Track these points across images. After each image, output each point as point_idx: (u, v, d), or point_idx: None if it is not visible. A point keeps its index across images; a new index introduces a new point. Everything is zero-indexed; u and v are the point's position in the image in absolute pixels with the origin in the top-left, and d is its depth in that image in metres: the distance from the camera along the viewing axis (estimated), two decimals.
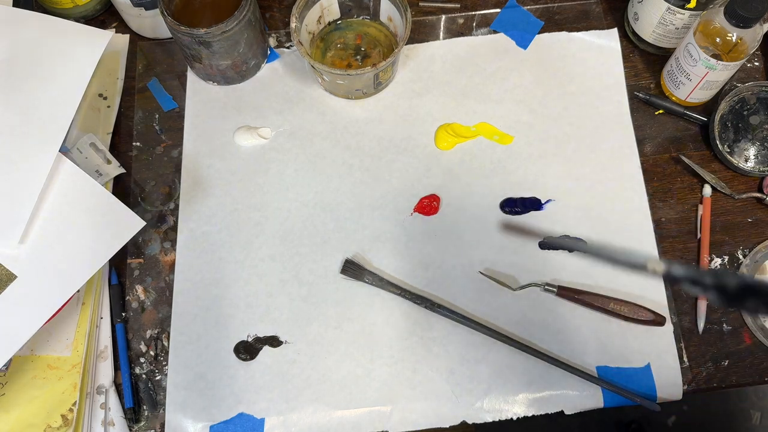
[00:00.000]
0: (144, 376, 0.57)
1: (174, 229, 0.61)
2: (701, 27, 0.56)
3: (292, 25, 0.61)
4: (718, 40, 0.55)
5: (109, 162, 0.62)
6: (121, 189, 0.63)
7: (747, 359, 0.56)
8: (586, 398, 0.54)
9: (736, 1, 0.52)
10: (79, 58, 0.59)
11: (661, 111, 0.64)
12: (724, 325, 0.57)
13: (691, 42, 0.57)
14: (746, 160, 0.61)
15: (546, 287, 0.57)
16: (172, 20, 0.58)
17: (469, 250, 0.59)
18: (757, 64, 0.66)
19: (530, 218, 0.60)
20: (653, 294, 0.57)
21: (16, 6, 0.63)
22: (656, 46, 0.65)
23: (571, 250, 0.58)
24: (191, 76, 0.67)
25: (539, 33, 0.68)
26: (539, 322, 0.57)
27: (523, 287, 0.57)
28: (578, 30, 0.68)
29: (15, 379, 0.55)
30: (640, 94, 0.64)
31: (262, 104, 0.66)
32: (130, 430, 0.55)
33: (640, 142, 0.63)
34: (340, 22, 0.67)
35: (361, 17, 0.67)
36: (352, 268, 0.58)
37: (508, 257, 0.59)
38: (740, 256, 0.59)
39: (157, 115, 0.66)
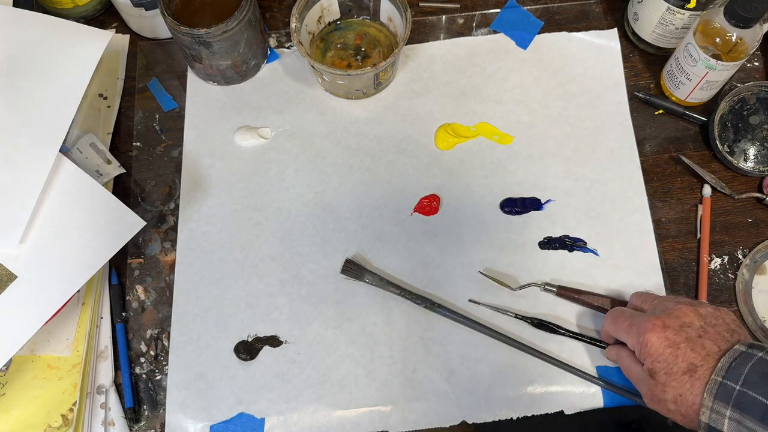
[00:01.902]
0: (144, 376, 0.57)
1: (174, 229, 0.61)
2: (701, 27, 0.56)
3: (292, 25, 0.61)
4: (718, 40, 0.55)
5: (109, 162, 0.62)
6: (121, 189, 0.63)
7: None
8: (586, 398, 0.54)
9: (736, 1, 0.52)
10: (79, 58, 0.59)
11: (660, 111, 0.64)
12: None
13: (691, 42, 0.57)
14: (746, 160, 0.61)
15: (546, 287, 0.57)
16: (172, 20, 0.58)
17: (469, 250, 0.59)
18: (757, 64, 0.66)
19: (530, 218, 0.60)
20: None
21: (16, 6, 0.63)
22: (656, 46, 0.65)
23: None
24: (191, 76, 0.67)
25: (539, 33, 0.68)
26: (551, 321, 0.57)
27: (522, 287, 0.57)
28: (578, 30, 0.68)
29: (15, 379, 0.55)
30: (640, 94, 0.64)
31: (262, 104, 0.66)
32: (131, 430, 0.55)
33: (640, 142, 0.63)
34: (340, 22, 0.67)
35: (361, 17, 0.67)
36: (352, 268, 0.58)
37: (508, 257, 0.59)
38: (740, 256, 0.59)
39: (157, 115, 0.66)
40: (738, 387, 0.42)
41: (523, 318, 0.56)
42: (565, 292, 0.56)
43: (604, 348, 0.55)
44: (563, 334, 0.56)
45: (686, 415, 0.45)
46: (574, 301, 0.56)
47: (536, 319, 0.56)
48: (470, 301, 0.57)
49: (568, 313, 0.57)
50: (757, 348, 0.44)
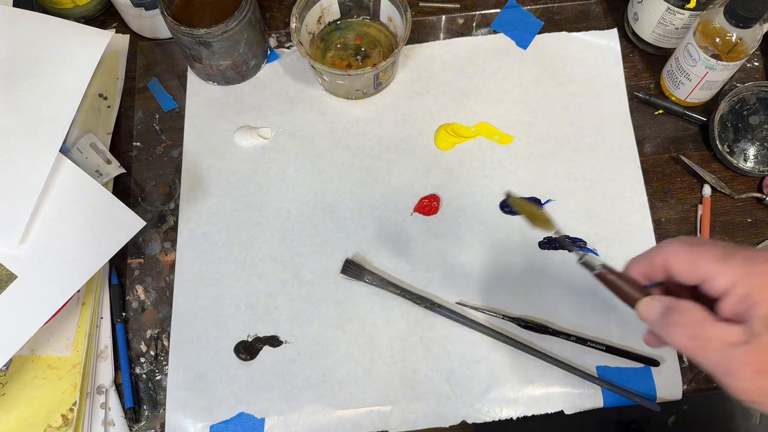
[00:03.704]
0: (144, 376, 0.57)
1: (174, 229, 0.61)
2: (701, 27, 0.56)
3: (292, 25, 0.61)
4: (717, 40, 0.55)
5: (109, 162, 0.62)
6: (121, 189, 0.63)
7: None
8: (585, 398, 0.54)
9: (736, 1, 0.52)
10: (79, 58, 0.59)
11: (660, 111, 0.64)
12: None
13: (690, 42, 0.57)
14: (746, 160, 0.61)
15: (599, 267, 0.42)
16: (172, 20, 0.58)
17: (469, 250, 0.59)
18: (756, 64, 0.66)
19: None
20: None
21: (16, 6, 0.63)
22: (656, 46, 0.65)
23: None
24: (191, 76, 0.67)
25: (539, 33, 0.68)
26: (539, 321, 0.57)
27: (562, 235, 0.46)
28: (578, 30, 0.68)
29: (15, 379, 0.55)
30: (640, 94, 0.64)
31: (262, 104, 0.66)
32: (131, 430, 0.55)
33: (640, 142, 0.63)
34: (340, 22, 0.67)
35: (361, 17, 0.67)
36: (352, 268, 0.58)
37: (508, 257, 0.59)
38: None
39: (157, 115, 0.66)
40: None
41: (511, 319, 0.56)
42: (606, 274, 0.42)
43: (593, 348, 0.55)
44: (552, 334, 0.56)
45: None
46: (609, 286, 0.42)
47: (522, 320, 0.56)
48: (458, 303, 0.57)
49: (568, 313, 0.57)
50: None
